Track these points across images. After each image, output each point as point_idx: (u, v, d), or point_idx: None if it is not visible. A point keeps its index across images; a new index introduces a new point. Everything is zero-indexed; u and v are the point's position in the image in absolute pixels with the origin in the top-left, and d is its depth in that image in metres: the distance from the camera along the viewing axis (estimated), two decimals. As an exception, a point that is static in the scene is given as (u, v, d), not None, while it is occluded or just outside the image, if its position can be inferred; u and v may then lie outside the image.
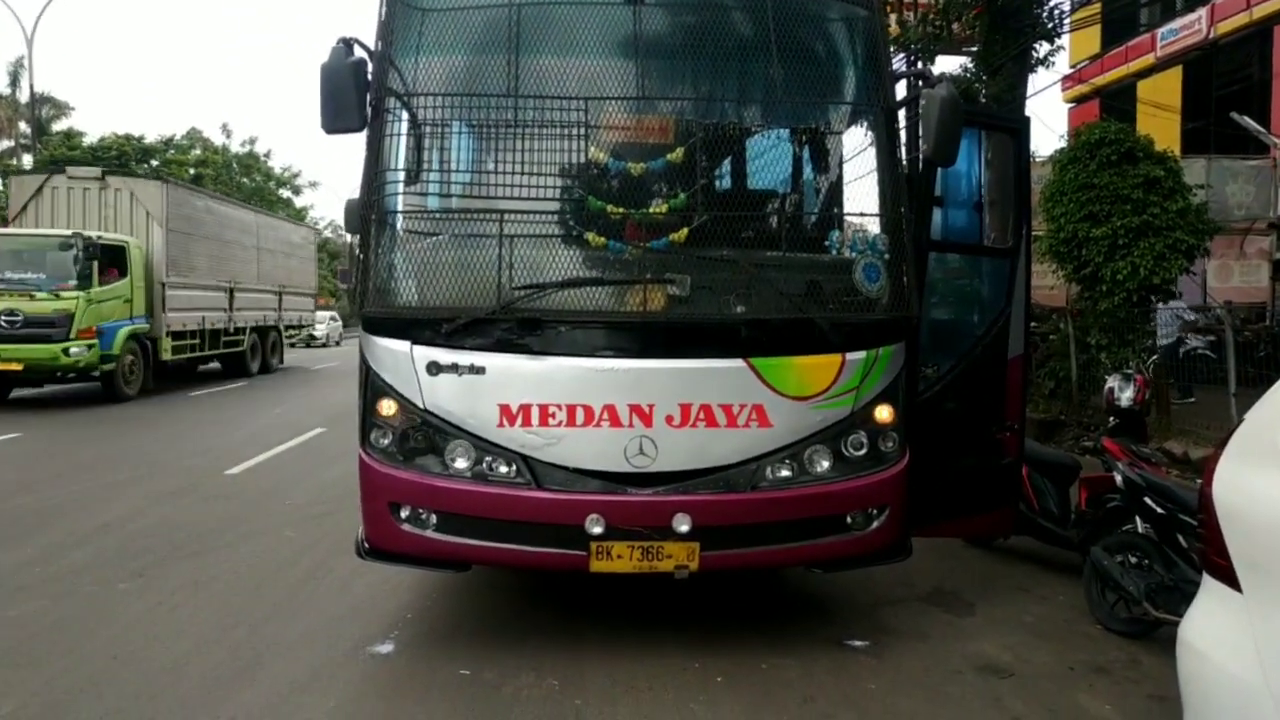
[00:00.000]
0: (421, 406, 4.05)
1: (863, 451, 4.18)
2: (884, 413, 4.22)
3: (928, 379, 4.74)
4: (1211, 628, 2.41)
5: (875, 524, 4.21)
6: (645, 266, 4.06)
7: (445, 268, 4.03)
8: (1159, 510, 4.50)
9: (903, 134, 4.51)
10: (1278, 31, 17.84)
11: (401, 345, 4.08)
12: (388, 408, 4.12)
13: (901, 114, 4.50)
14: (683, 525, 3.94)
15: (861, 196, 4.36)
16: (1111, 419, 5.92)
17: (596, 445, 3.98)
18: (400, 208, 4.21)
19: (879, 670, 4.17)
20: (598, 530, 3.92)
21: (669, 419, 3.98)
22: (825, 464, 4.13)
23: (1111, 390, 5.72)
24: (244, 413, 13.81)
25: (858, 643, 4.48)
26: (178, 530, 6.50)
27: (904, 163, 4.42)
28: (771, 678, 4.05)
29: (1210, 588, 2.45)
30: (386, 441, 4.14)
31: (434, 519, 4.07)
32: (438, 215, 4.25)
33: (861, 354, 4.13)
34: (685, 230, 4.08)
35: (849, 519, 4.17)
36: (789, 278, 4.18)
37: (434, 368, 4.03)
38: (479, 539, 4.06)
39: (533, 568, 4.41)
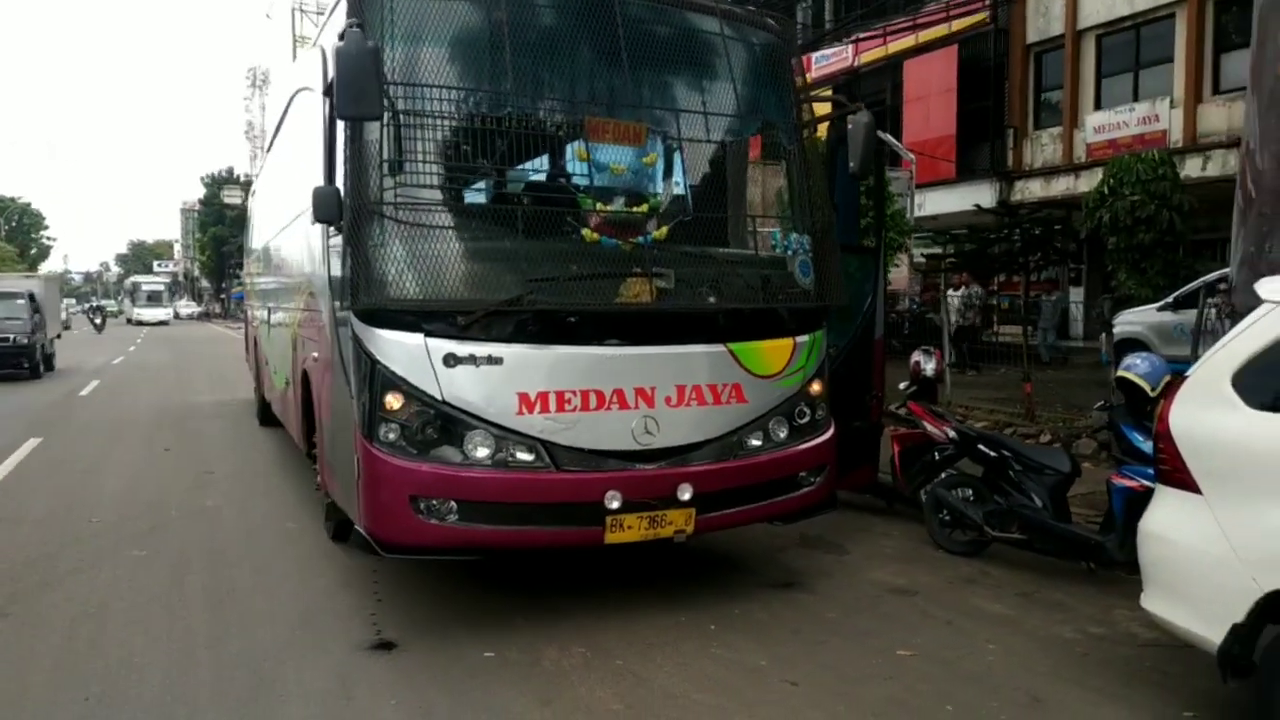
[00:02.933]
0: (440, 398, 4.07)
1: (806, 420, 4.94)
2: (817, 386, 5.02)
3: (831, 357, 5.62)
4: (1174, 520, 3.46)
5: (818, 480, 4.99)
6: (639, 261, 4.44)
7: (455, 260, 4.10)
8: (992, 453, 5.79)
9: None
10: (906, 65, 21.75)
11: (414, 338, 4.07)
12: (398, 400, 4.09)
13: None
14: (685, 494, 4.41)
15: (801, 203, 5.10)
16: (908, 385, 7.30)
17: (608, 426, 4.31)
18: (397, 199, 4.13)
19: (824, 603, 4.95)
20: (615, 505, 4.26)
21: (668, 399, 4.42)
22: (784, 432, 4.83)
23: (918, 363, 7.06)
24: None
25: (790, 584, 5.24)
26: (-14, 562, 5.53)
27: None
28: (752, 620, 4.66)
29: (1168, 494, 3.51)
30: (396, 435, 4.09)
31: (454, 508, 4.11)
32: (441, 208, 4.25)
33: (806, 337, 4.89)
34: (665, 228, 4.54)
35: (800, 478, 4.91)
36: (754, 273, 4.82)
37: (451, 359, 4.08)
38: (499, 524, 4.19)
39: (550, 547, 4.60)
